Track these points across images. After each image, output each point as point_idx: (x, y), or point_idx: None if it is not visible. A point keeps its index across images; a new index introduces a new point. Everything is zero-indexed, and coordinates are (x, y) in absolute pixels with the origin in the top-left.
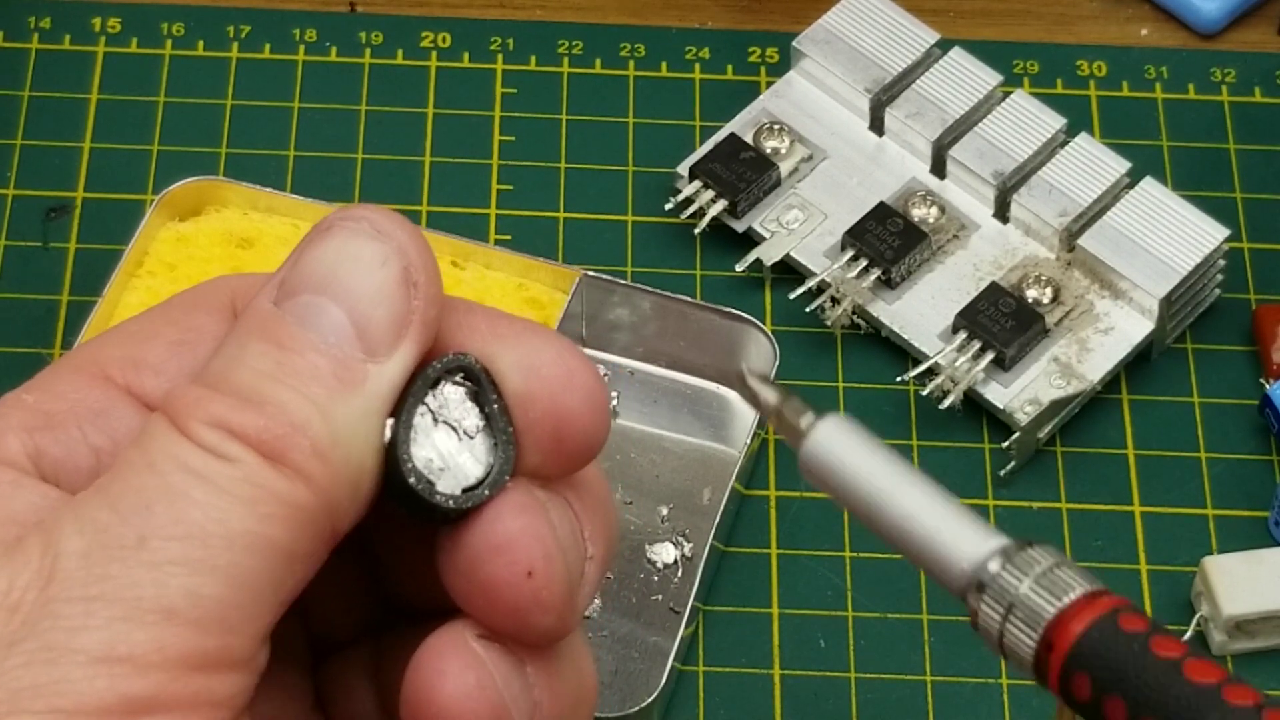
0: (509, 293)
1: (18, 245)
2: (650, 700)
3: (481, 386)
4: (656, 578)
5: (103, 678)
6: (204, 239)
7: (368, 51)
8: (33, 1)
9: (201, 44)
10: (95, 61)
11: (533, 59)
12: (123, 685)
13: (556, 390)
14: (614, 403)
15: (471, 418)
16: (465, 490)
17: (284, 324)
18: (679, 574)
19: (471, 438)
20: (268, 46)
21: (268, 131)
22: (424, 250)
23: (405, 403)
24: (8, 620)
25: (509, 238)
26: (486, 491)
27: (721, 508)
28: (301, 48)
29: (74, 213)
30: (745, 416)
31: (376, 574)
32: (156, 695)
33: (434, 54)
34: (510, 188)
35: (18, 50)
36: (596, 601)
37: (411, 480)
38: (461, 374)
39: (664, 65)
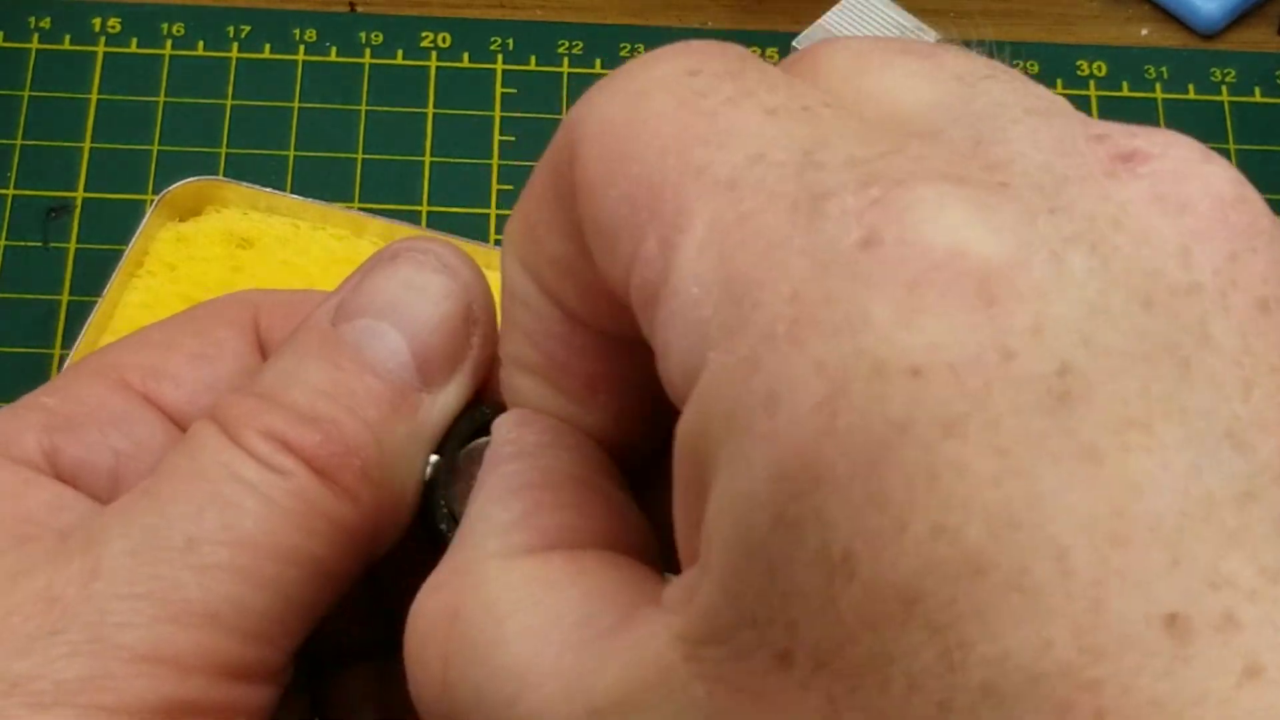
0: None
1: (18, 245)
2: None
3: None
4: None
5: (145, 677)
6: (204, 239)
7: (368, 51)
8: (33, 1)
9: (201, 44)
10: (95, 61)
11: (533, 59)
12: (165, 687)
13: None
14: None
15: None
16: None
17: (343, 345)
18: None
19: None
20: (268, 46)
21: (268, 131)
22: (486, 291)
23: (449, 443)
24: (47, 610)
25: None
26: None
27: None
28: (301, 48)
29: (74, 213)
30: None
31: (384, 597)
32: (196, 700)
33: (434, 54)
34: (510, 188)
35: (18, 50)
36: None
37: (443, 527)
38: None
39: None
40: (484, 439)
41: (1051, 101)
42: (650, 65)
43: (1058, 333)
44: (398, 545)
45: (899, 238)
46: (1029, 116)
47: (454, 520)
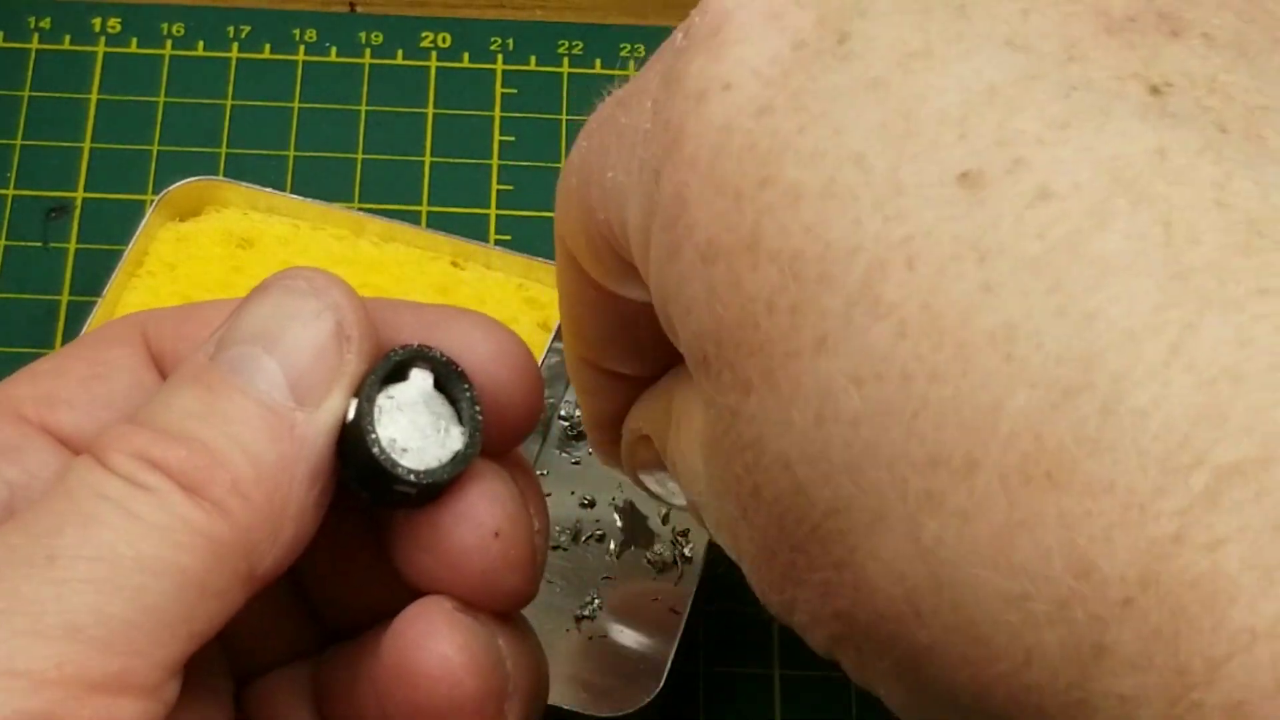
0: (509, 293)
1: (18, 245)
2: (650, 700)
3: (446, 373)
4: (656, 578)
5: None
6: (204, 239)
7: (368, 51)
8: (33, 1)
9: (201, 44)
10: (95, 61)
11: (533, 59)
12: (18, 700)
13: (491, 368)
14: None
15: (431, 404)
16: (428, 470)
17: (216, 372)
18: (679, 574)
19: (429, 423)
20: (268, 46)
21: (268, 131)
22: (358, 307)
23: (366, 385)
24: None
25: (509, 238)
26: (451, 469)
27: None
28: (301, 48)
29: (74, 213)
30: None
31: (304, 597)
32: (52, 713)
33: (434, 54)
34: (510, 188)
35: (18, 50)
36: (597, 602)
37: (375, 451)
38: (422, 363)
39: None
40: (402, 382)
41: None
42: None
43: (837, 15)
44: (316, 545)
45: (704, 9)
46: None
47: (384, 451)
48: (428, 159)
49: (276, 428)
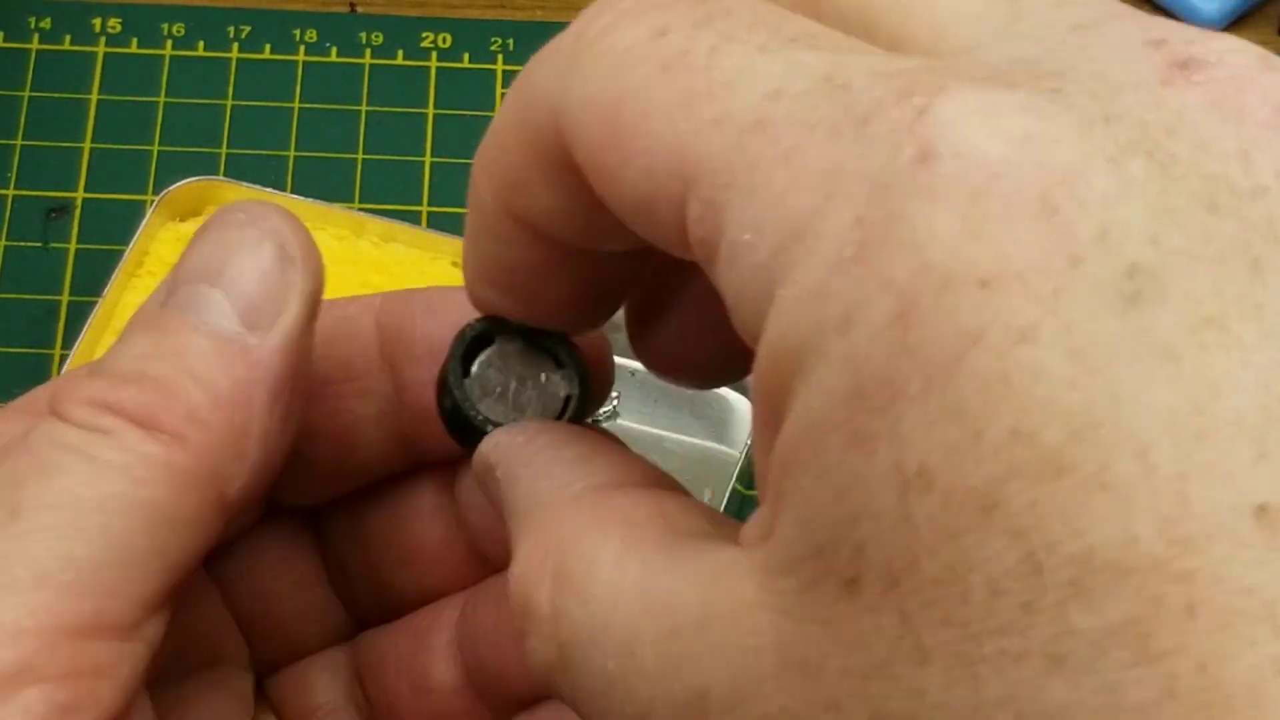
0: None
1: (18, 245)
2: None
3: (528, 333)
4: None
5: None
6: None
7: (368, 51)
8: (33, 1)
9: (201, 44)
10: (95, 61)
11: None
12: None
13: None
14: (615, 403)
15: (515, 372)
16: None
17: (165, 314)
18: None
19: (510, 393)
20: (268, 46)
21: (268, 131)
22: (299, 230)
23: (450, 365)
24: None
25: None
26: (570, 410)
27: (722, 508)
28: (301, 48)
29: (74, 213)
30: (745, 416)
31: (344, 587)
32: (29, 663)
33: (434, 54)
34: None
35: (18, 50)
36: None
37: (473, 413)
38: (503, 337)
39: None
40: (490, 349)
41: (1103, 8)
42: (612, 34)
43: (1124, 236)
44: (348, 527)
45: (955, 151)
46: (1078, 30)
47: (479, 413)
48: (428, 159)
49: (228, 355)
